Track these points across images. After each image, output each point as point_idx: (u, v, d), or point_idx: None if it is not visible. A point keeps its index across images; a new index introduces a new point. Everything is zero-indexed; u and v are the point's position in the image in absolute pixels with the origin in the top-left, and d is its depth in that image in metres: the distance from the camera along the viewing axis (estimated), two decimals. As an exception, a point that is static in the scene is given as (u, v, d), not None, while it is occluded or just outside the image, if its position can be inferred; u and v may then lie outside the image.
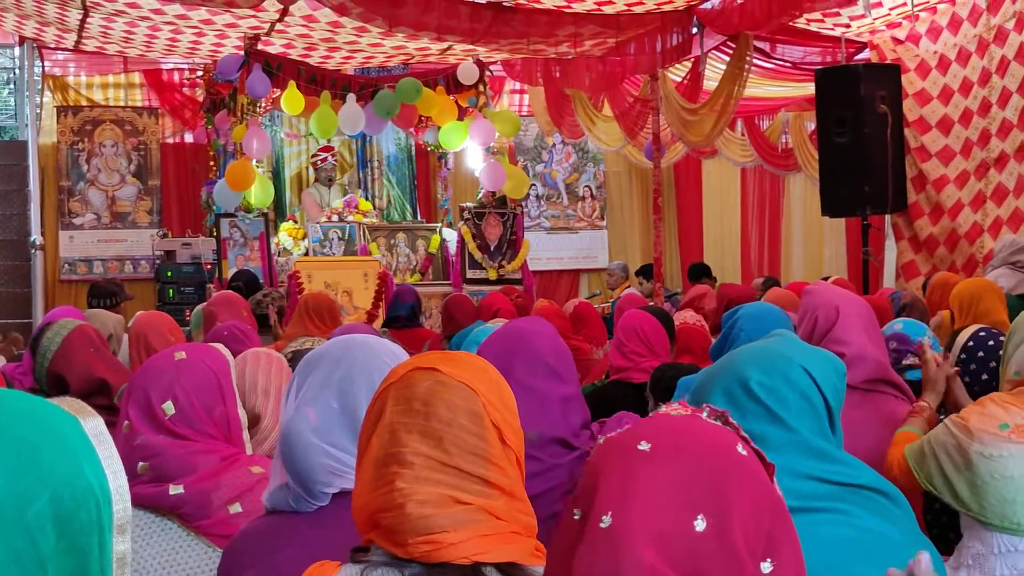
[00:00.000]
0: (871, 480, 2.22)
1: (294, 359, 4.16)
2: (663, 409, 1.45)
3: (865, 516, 2.11)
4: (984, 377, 4.18)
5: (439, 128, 13.06)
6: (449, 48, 12.13)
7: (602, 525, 1.28)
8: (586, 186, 17.68)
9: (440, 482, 1.74)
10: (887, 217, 11.06)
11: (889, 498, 2.23)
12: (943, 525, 3.87)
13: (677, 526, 1.26)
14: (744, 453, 1.35)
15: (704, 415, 1.41)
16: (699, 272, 12.81)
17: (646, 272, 13.35)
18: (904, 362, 4.58)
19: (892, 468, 3.60)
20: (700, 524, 1.26)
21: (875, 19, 10.54)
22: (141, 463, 2.79)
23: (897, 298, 6.74)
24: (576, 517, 1.34)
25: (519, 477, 1.85)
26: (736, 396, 2.19)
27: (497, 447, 1.81)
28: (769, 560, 1.30)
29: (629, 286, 13.25)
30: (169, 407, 2.84)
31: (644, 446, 1.32)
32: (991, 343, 4.25)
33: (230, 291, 7.95)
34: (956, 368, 4.04)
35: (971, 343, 4.32)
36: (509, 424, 1.85)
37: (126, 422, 2.85)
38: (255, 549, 2.35)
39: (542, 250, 16.65)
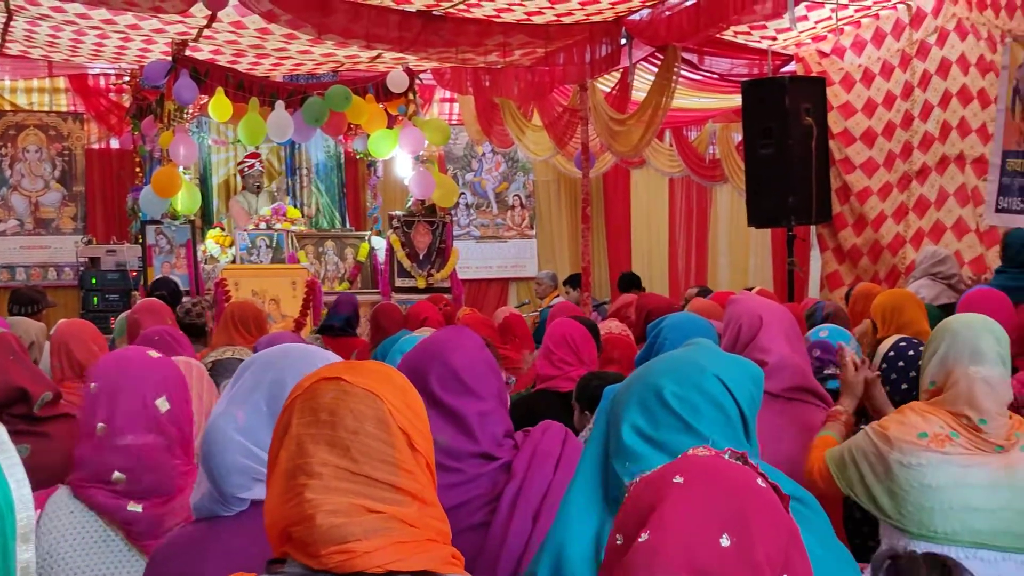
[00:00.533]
0: (786, 487, 2.23)
1: (214, 368, 4.13)
2: (691, 451, 1.64)
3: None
4: (904, 387, 4.23)
5: (368, 136, 13.01)
6: (379, 56, 12.10)
7: (640, 540, 1.45)
8: (515, 195, 17.71)
9: (350, 491, 1.73)
10: (812, 228, 11.18)
11: (805, 505, 2.25)
12: (864, 534, 3.91)
13: (705, 542, 1.43)
14: (763, 486, 1.52)
15: (726, 456, 1.61)
16: (628, 282, 12.87)
17: (573, 281, 13.39)
18: (826, 371, 4.62)
19: (812, 473, 3.64)
20: (725, 541, 1.43)
21: (801, 32, 10.67)
22: (117, 473, 2.76)
23: (820, 308, 6.81)
24: (619, 542, 1.50)
25: (430, 482, 1.84)
26: (651, 406, 2.20)
27: (406, 453, 1.80)
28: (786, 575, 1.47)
29: (558, 295, 13.27)
30: (163, 403, 2.82)
31: (678, 479, 1.50)
32: (911, 353, 4.31)
33: (154, 299, 7.87)
34: (877, 373, 4.08)
35: (892, 353, 4.37)
36: (417, 429, 1.84)
37: (100, 425, 2.81)
38: (181, 559, 2.33)
39: (471, 259, 16.65)
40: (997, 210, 9.46)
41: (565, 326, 5.40)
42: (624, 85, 11.75)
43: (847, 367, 4.01)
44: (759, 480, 1.51)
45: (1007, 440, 3.31)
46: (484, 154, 17.33)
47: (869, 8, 10.48)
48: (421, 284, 12.97)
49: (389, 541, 1.71)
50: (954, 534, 3.25)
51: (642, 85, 11.60)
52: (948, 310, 6.16)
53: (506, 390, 3.08)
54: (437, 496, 1.87)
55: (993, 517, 3.26)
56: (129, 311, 7.62)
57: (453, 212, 15.24)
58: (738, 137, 13.08)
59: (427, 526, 1.78)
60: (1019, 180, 9.19)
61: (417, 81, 13.29)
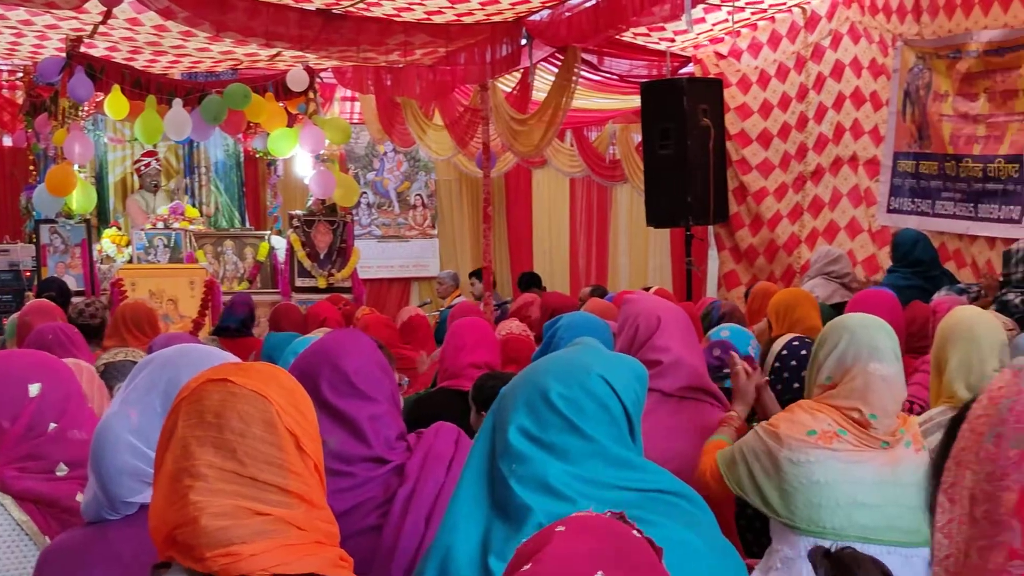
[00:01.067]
0: (671, 485, 2.26)
1: (106, 371, 4.07)
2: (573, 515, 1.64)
3: (668, 524, 2.14)
4: (796, 386, 4.30)
5: (268, 135, 12.89)
6: (278, 54, 12.00)
7: (521, 570, 1.46)
8: (417, 194, 17.68)
9: (236, 493, 1.72)
10: (710, 228, 11.31)
11: (690, 501, 2.27)
12: (756, 530, 3.97)
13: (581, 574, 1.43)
14: (639, 536, 1.53)
15: (607, 515, 1.60)
16: (529, 282, 12.93)
17: (479, 273, 13.39)
18: (726, 370, 4.67)
19: (704, 475, 3.68)
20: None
21: (698, 34, 10.79)
22: (63, 465, 2.74)
23: (715, 307, 6.89)
24: None
25: (319, 484, 1.84)
26: (537, 408, 2.20)
27: (294, 455, 1.79)
28: None
29: (460, 295, 13.28)
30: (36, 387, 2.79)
31: (560, 529, 1.51)
32: (803, 352, 4.37)
33: (45, 300, 7.73)
34: (766, 378, 4.14)
35: (784, 352, 4.44)
36: (305, 431, 1.83)
37: (52, 424, 2.77)
38: (66, 564, 2.29)
39: (373, 258, 16.59)
40: (889, 210, 9.66)
41: (467, 325, 5.41)
42: (525, 85, 11.78)
43: (739, 375, 4.06)
44: (635, 532, 1.53)
45: (892, 436, 3.38)
46: (386, 153, 17.28)
47: (765, 11, 10.63)
48: (322, 284, 12.89)
49: (275, 544, 1.70)
50: (842, 529, 3.30)
51: (543, 85, 11.65)
52: (841, 309, 6.25)
53: (399, 392, 3.08)
54: (326, 499, 1.87)
55: (879, 512, 3.32)
56: (19, 312, 7.48)
57: (354, 211, 15.19)
58: (638, 138, 13.17)
59: (315, 528, 1.78)
60: (910, 181, 9.39)
61: (317, 79, 13.19)
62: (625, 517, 1.58)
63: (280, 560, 1.70)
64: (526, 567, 1.44)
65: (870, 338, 3.47)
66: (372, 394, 2.86)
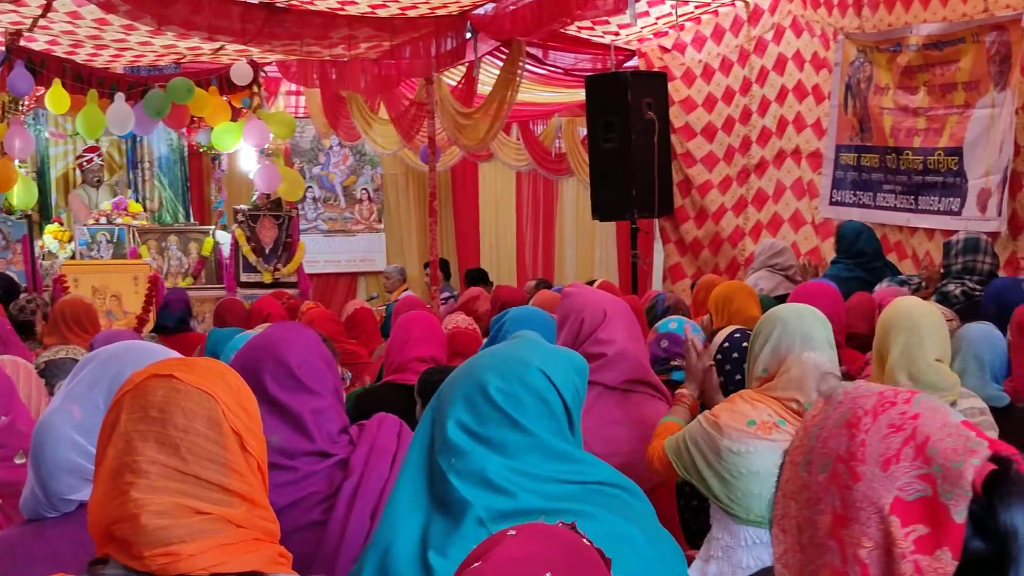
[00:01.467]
0: (609, 476, 2.27)
1: (46, 369, 4.03)
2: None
3: (607, 516, 2.15)
4: (738, 377, 4.32)
5: (212, 129, 12.81)
6: (222, 48, 11.92)
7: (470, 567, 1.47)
8: (363, 189, 17.62)
9: (177, 491, 1.71)
10: (655, 221, 11.35)
11: (628, 493, 2.29)
12: (701, 522, 4.00)
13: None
14: (587, 544, 1.53)
15: (558, 524, 1.60)
16: (475, 277, 12.94)
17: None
18: (673, 363, 4.70)
19: (653, 461, 3.71)
20: None
21: (642, 28, 10.82)
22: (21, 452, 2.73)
23: (660, 300, 6.91)
24: None
25: (261, 483, 1.83)
26: (475, 402, 2.21)
27: (237, 454, 1.79)
28: None
29: (406, 289, 13.26)
30: None
31: (511, 532, 1.51)
32: (744, 344, 4.40)
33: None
34: (711, 362, 4.17)
35: (726, 344, 4.47)
36: (250, 430, 1.83)
37: (3, 418, 2.76)
38: (3, 563, 2.27)
39: (319, 253, 16.51)
40: (831, 203, 9.75)
41: (413, 319, 5.41)
42: (470, 79, 11.78)
43: (689, 353, 4.10)
44: (585, 541, 1.54)
45: (830, 426, 3.41)
46: (331, 147, 17.21)
47: (708, 4, 10.68)
48: (267, 279, 12.84)
49: (215, 543, 1.70)
50: (780, 519, 3.33)
51: (488, 79, 11.65)
52: (785, 301, 6.31)
53: (343, 386, 3.08)
54: (268, 497, 1.87)
55: (815, 502, 3.35)
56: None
57: (300, 206, 15.13)
58: (583, 131, 13.20)
59: (254, 526, 1.77)
60: (851, 174, 9.48)
61: (262, 73, 13.14)
62: (576, 528, 1.58)
63: (219, 559, 1.70)
64: (475, 565, 1.45)
65: (803, 328, 3.51)
66: (315, 388, 2.86)
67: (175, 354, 2.39)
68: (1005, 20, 7.83)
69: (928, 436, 1.35)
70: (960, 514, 1.29)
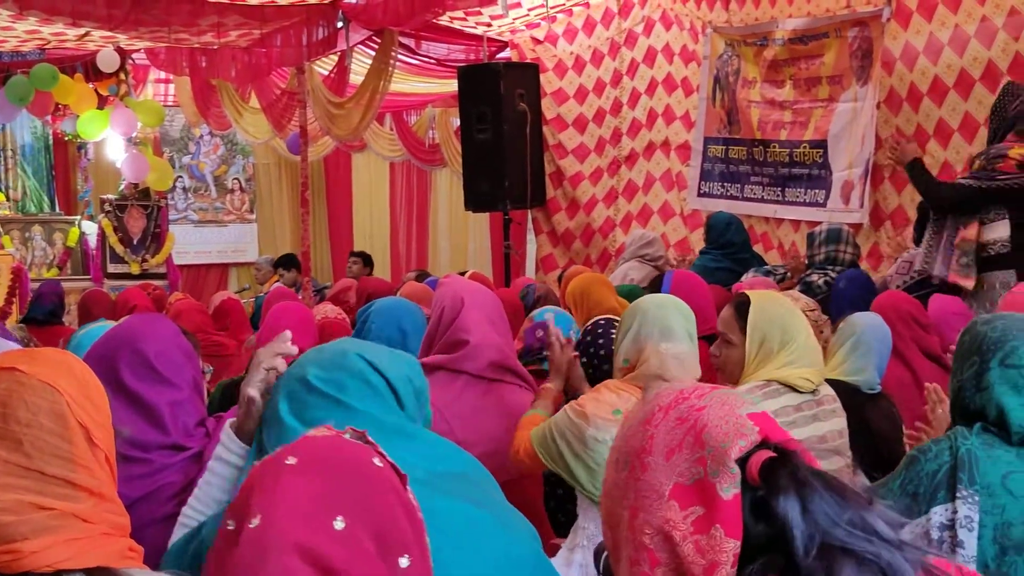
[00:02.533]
0: (456, 464, 2.27)
1: None
2: (310, 432, 1.57)
3: (454, 502, 2.15)
4: (606, 367, 4.36)
5: (78, 117, 12.55)
6: (87, 34, 11.66)
7: (250, 526, 1.38)
8: (235, 178, 17.42)
9: (20, 487, 1.67)
10: (528, 212, 11.39)
11: (477, 475, 2.30)
12: (568, 511, 4.02)
13: (318, 525, 1.38)
14: (380, 465, 1.48)
15: (347, 436, 1.55)
16: (285, 262, 12.98)
17: (285, 263, 13.27)
18: (546, 352, 4.71)
19: (519, 452, 3.73)
20: (339, 523, 1.39)
21: (515, 19, 10.84)
22: None
23: (531, 290, 6.95)
24: (231, 527, 1.42)
25: (109, 477, 1.80)
26: (297, 394, 2.24)
27: (83, 447, 1.75)
28: (407, 556, 1.43)
29: (278, 280, 13.13)
30: None
31: (291, 460, 1.45)
32: (613, 332, 4.44)
33: None
34: (576, 354, 4.20)
35: (588, 338, 4.50)
36: (97, 423, 1.79)
37: None
38: None
39: (189, 243, 16.31)
40: (700, 194, 9.89)
41: (284, 311, 5.37)
42: (342, 68, 11.69)
43: (553, 345, 4.12)
44: (376, 459, 1.49)
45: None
46: (202, 136, 16.98)
47: (580, -4, 10.75)
48: (135, 270, 12.64)
49: (60, 539, 1.66)
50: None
51: (360, 69, 11.57)
52: (656, 291, 6.37)
53: (203, 378, 3.04)
54: (117, 490, 1.83)
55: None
56: None
57: (170, 196, 14.91)
58: (457, 122, 13.19)
59: (102, 520, 1.74)
60: (719, 166, 9.63)
61: (130, 61, 12.90)
62: (367, 437, 1.54)
63: (65, 555, 1.66)
64: (254, 520, 1.39)
65: (662, 318, 3.55)
66: (173, 379, 2.83)
67: (13, 345, 2.34)
68: (866, 16, 8.02)
69: (706, 424, 1.41)
70: (727, 491, 1.35)
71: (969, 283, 6.13)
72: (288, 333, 2.50)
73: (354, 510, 1.40)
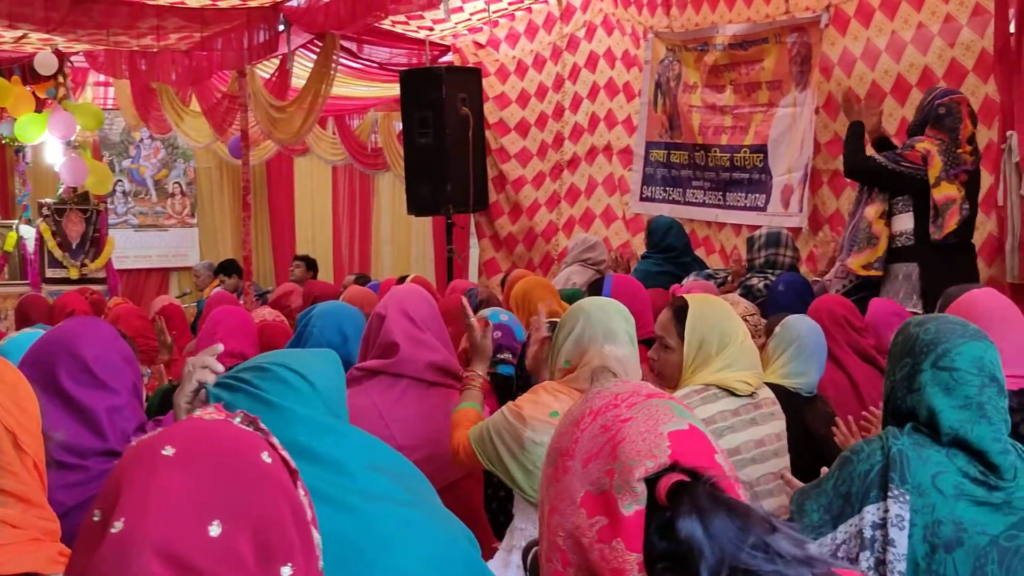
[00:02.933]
0: (389, 463, 2.28)
1: None
2: (197, 413, 1.42)
3: (377, 499, 2.15)
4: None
5: (15, 120, 12.40)
6: (24, 36, 11.53)
7: (113, 531, 1.23)
8: (176, 182, 17.30)
9: None
10: (471, 216, 11.40)
11: (411, 476, 2.30)
12: (509, 512, 4.02)
13: (191, 531, 1.23)
14: (269, 460, 1.34)
15: (237, 420, 1.39)
16: (226, 267, 12.92)
17: (226, 269, 13.20)
18: (499, 355, 4.70)
19: (458, 452, 3.72)
20: (215, 529, 1.24)
21: (457, 24, 10.84)
22: None
23: (473, 294, 6.94)
24: (96, 519, 1.27)
25: (37, 482, 1.78)
26: (222, 399, 2.23)
27: (10, 453, 1.73)
28: (290, 564, 1.29)
29: (218, 285, 13.05)
30: None
31: (168, 451, 1.28)
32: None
33: None
34: (547, 334, 4.15)
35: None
36: (25, 428, 1.78)
37: None
38: None
39: (129, 248, 16.19)
40: (642, 198, 9.95)
41: (223, 315, 5.34)
42: (283, 72, 11.65)
43: (472, 329, 4.11)
44: (265, 453, 1.34)
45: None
46: (142, 140, 16.86)
47: (522, 2, 10.76)
48: (74, 275, 12.49)
49: (-12, 544, 1.64)
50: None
51: (302, 72, 11.53)
52: (596, 295, 6.38)
53: (142, 383, 3.01)
54: (50, 496, 1.82)
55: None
56: None
57: (109, 200, 14.75)
58: (399, 126, 13.17)
59: (31, 526, 1.72)
60: (661, 170, 9.68)
61: (68, 63, 12.76)
62: (259, 424, 1.41)
63: (-8, 560, 1.64)
64: (118, 523, 1.22)
65: (605, 321, 3.56)
66: (112, 384, 2.80)
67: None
68: (805, 22, 8.11)
69: (624, 438, 1.42)
70: (628, 507, 1.37)
71: (855, 263, 6.33)
72: (219, 346, 2.46)
73: (234, 513, 1.25)
